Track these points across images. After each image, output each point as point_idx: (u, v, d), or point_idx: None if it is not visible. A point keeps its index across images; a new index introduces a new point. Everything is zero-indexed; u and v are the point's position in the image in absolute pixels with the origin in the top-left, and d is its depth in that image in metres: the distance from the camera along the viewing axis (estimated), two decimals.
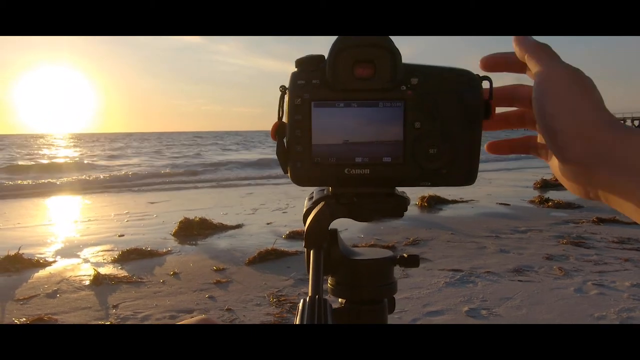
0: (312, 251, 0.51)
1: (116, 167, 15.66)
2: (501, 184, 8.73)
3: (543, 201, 6.39)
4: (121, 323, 2.76)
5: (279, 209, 6.51)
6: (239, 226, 5.32)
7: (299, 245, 4.34)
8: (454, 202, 6.55)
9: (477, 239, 4.51)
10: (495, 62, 0.50)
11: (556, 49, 0.47)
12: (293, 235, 4.70)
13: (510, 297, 3.03)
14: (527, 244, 4.30)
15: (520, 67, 0.48)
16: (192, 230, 4.94)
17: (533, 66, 0.46)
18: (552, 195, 6.94)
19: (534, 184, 8.38)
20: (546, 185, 8.21)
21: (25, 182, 10.23)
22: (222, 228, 5.17)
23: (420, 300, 3.01)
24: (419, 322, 2.69)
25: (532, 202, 6.56)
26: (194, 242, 4.63)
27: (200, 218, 5.15)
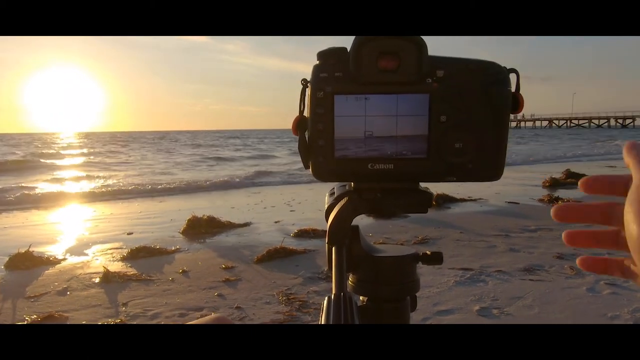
0: (334, 248, 0.50)
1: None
2: (510, 182, 8.66)
3: (552, 200, 6.34)
4: (131, 320, 2.77)
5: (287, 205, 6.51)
6: (246, 224, 5.32)
7: (308, 244, 4.33)
8: (463, 200, 6.51)
9: (486, 238, 4.47)
10: (599, 184, 0.44)
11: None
12: (301, 234, 4.69)
13: (522, 297, 3.00)
14: (538, 243, 4.26)
15: (624, 191, 0.41)
16: (200, 229, 4.96)
17: (633, 174, 0.40)
18: (562, 194, 6.89)
19: (543, 182, 8.31)
20: (555, 184, 8.14)
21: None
22: (230, 226, 5.17)
23: (431, 299, 2.99)
24: (429, 321, 2.68)
25: (541, 200, 6.51)
26: (202, 240, 4.64)
27: (208, 216, 5.15)
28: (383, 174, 0.51)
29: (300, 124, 0.52)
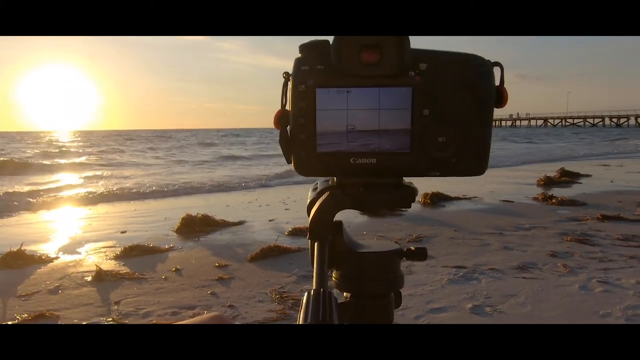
0: (316, 243, 0.50)
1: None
2: (504, 181, 8.69)
3: (547, 198, 6.36)
4: (123, 319, 2.75)
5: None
6: (241, 223, 5.30)
7: (302, 242, 4.32)
8: (457, 199, 6.52)
9: (480, 236, 4.48)
10: None
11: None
12: (295, 232, 4.68)
13: (515, 294, 3.01)
14: (531, 241, 4.27)
15: None
16: (194, 227, 4.94)
17: None
18: (556, 192, 6.90)
19: (538, 181, 8.34)
20: (550, 182, 8.17)
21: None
22: (224, 225, 5.15)
23: (424, 297, 2.99)
24: (422, 319, 2.68)
25: (535, 199, 6.53)
26: (196, 239, 4.63)
27: (202, 214, 5.14)
28: (365, 168, 0.50)
29: (282, 117, 0.51)
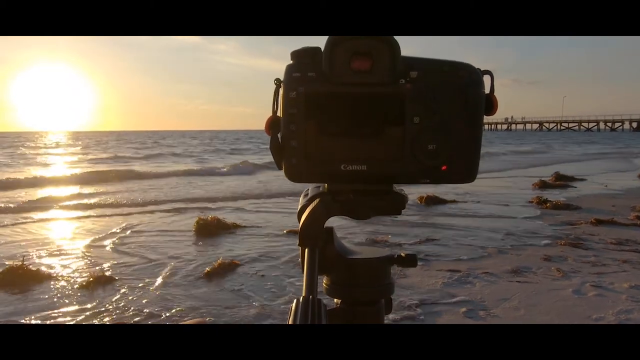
0: (307, 250, 0.50)
1: None
2: (501, 184, 8.71)
3: (542, 202, 6.38)
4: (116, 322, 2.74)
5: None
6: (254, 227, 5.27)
7: None
8: (453, 202, 6.54)
9: (475, 240, 4.49)
10: None
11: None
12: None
13: (508, 298, 3.01)
14: (526, 245, 4.29)
15: None
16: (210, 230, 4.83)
17: None
18: (551, 196, 6.93)
19: (533, 184, 8.38)
20: (545, 186, 8.20)
21: None
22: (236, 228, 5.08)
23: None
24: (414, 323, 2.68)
25: (530, 202, 6.55)
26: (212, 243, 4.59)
27: (214, 217, 5.05)
28: (356, 175, 0.50)
29: (273, 124, 0.51)
